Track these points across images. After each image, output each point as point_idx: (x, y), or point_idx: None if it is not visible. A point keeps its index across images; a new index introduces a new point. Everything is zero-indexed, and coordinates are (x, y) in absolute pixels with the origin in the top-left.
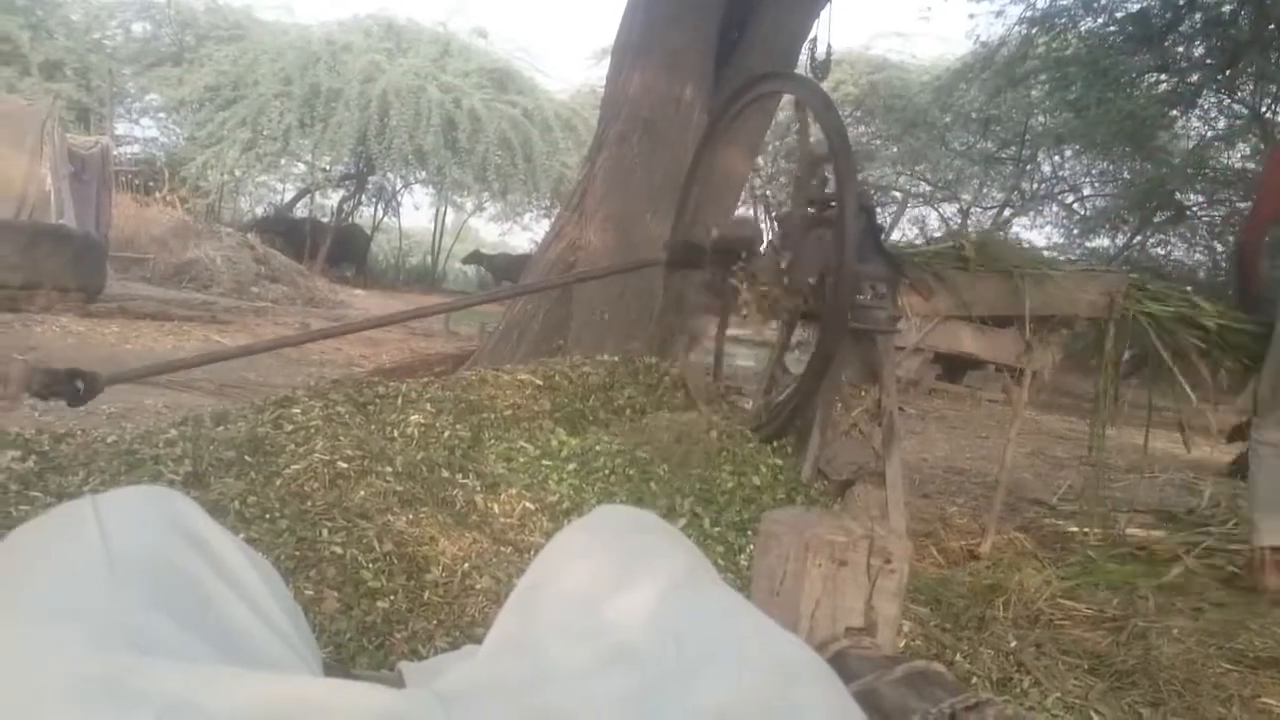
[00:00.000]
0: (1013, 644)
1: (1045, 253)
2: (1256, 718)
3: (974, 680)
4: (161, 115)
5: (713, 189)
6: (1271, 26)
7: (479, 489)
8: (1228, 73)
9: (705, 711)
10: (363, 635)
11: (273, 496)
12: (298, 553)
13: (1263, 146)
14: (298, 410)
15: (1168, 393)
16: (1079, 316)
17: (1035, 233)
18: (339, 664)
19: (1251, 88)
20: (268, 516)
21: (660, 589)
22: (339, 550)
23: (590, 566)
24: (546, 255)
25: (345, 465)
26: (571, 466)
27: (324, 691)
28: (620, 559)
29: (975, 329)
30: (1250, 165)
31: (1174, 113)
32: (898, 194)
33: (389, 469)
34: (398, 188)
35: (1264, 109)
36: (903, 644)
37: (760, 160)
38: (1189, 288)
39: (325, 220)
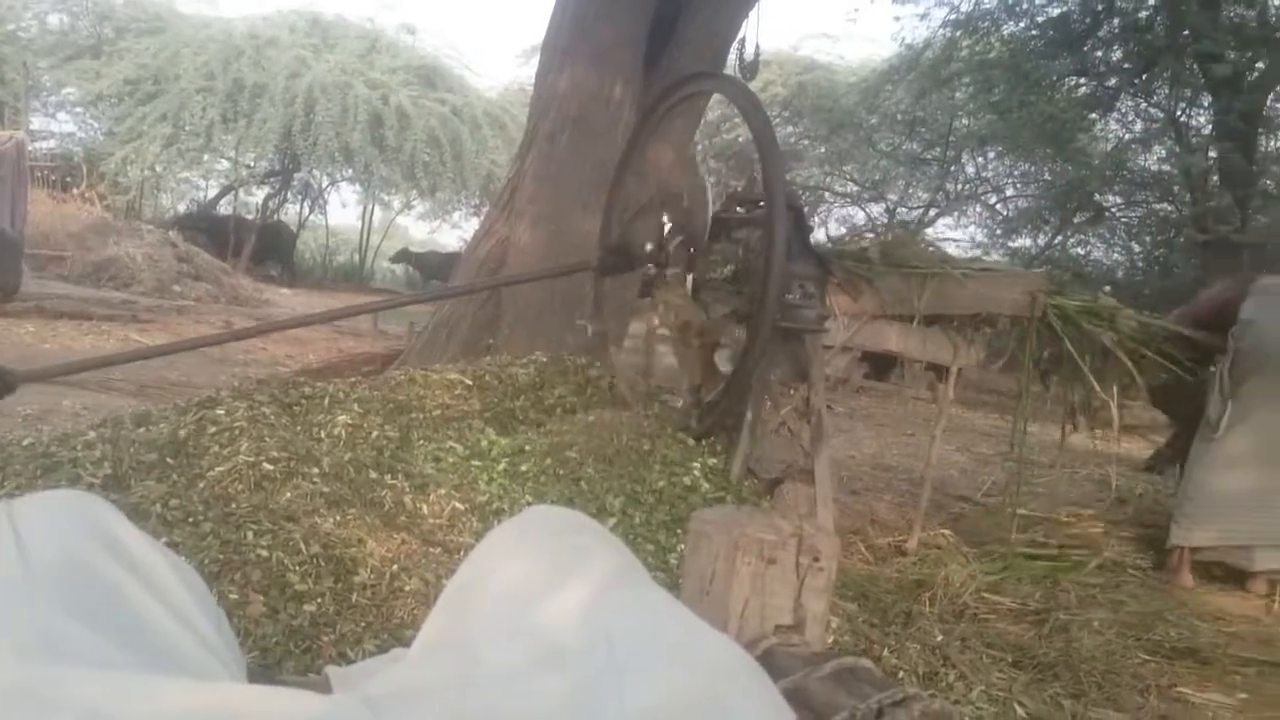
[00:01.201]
0: (939, 638)
1: (971, 252)
2: (1173, 707)
3: (901, 675)
4: (79, 109)
5: (644, 188)
6: (1186, 33)
7: (408, 490)
8: (1144, 77)
9: (636, 712)
10: (289, 639)
11: (196, 499)
12: (222, 556)
13: (1177, 149)
14: (222, 411)
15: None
16: (1002, 315)
17: (960, 232)
18: (265, 669)
19: (1167, 92)
20: (191, 520)
21: (592, 589)
22: (265, 553)
23: (522, 567)
24: (476, 253)
25: (271, 467)
26: (501, 466)
27: (245, 698)
28: (552, 560)
29: (902, 328)
30: (1166, 168)
31: (1093, 116)
32: (826, 194)
33: (316, 470)
34: (324, 185)
35: (1179, 113)
36: (831, 639)
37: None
38: (1107, 287)
39: (250, 218)
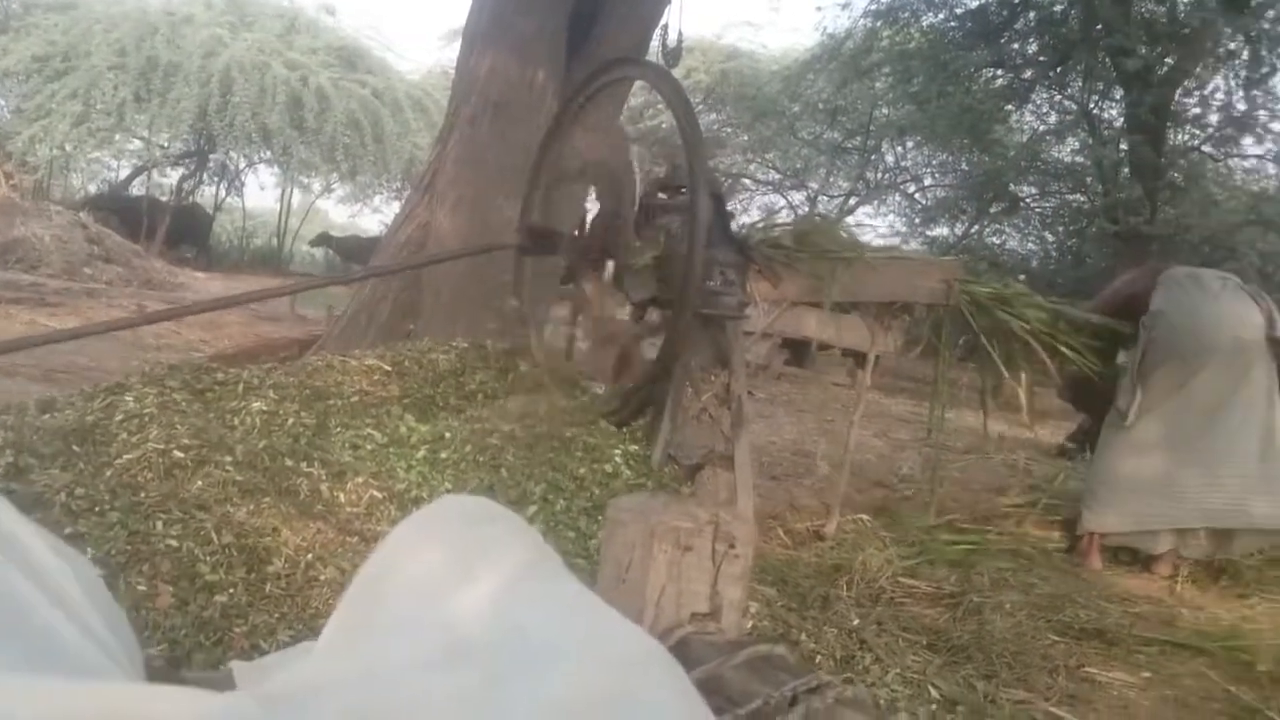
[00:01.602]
0: (855, 622)
1: (891, 241)
2: (1080, 686)
3: (818, 659)
4: None
5: (569, 171)
6: (1099, 27)
7: (324, 478)
8: (1058, 70)
9: (547, 706)
10: (199, 631)
11: (103, 488)
12: (130, 546)
13: (1090, 142)
14: (130, 397)
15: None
16: (919, 303)
17: (880, 221)
18: (172, 662)
19: (1080, 85)
20: (97, 509)
21: (503, 582)
22: (174, 543)
23: (431, 559)
24: (396, 237)
25: (181, 455)
26: (421, 454)
27: (135, 699)
28: (463, 551)
29: (821, 314)
30: (1079, 159)
31: (1009, 107)
32: (748, 181)
33: (229, 458)
34: (241, 167)
35: (1091, 106)
36: (750, 624)
37: (632, 148)
38: (1022, 276)
39: (164, 199)
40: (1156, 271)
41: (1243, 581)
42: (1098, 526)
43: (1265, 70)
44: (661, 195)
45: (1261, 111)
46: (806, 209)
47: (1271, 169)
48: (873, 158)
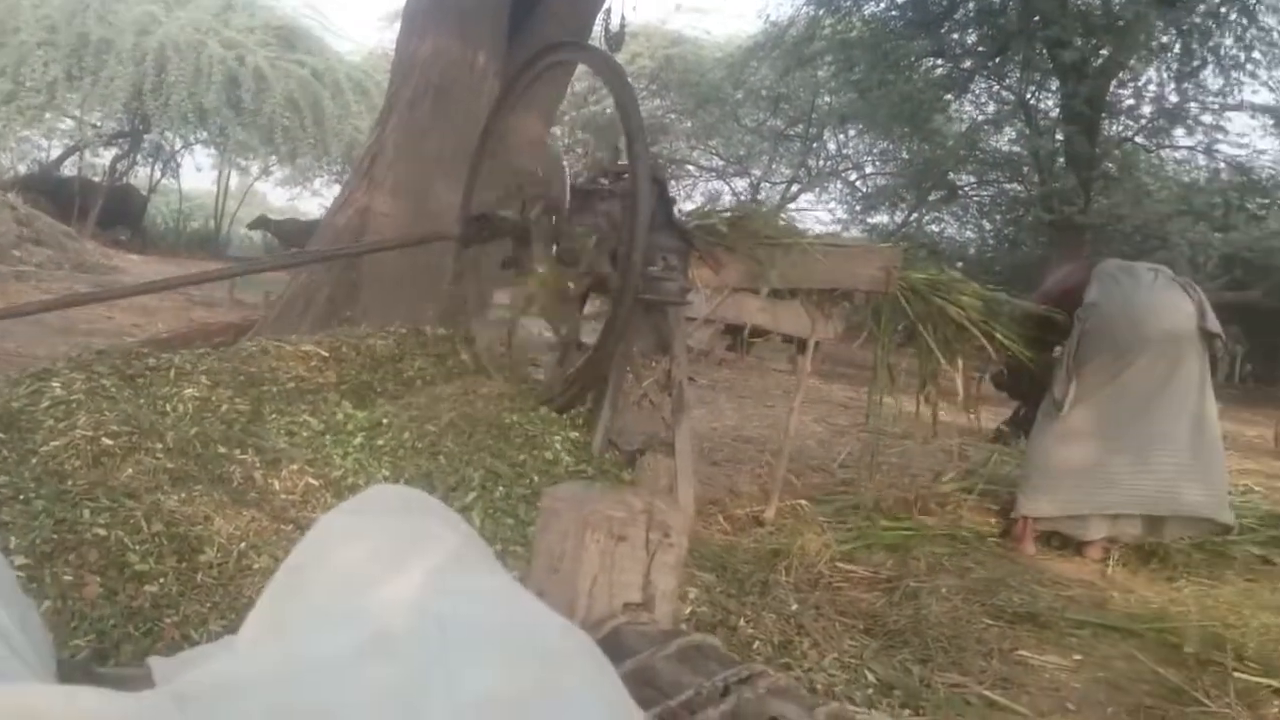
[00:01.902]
0: (794, 607)
1: (832, 228)
2: (1014, 669)
3: (756, 644)
4: None
5: (508, 157)
6: (1037, 18)
7: (258, 465)
8: (997, 60)
9: (468, 702)
10: (128, 621)
11: (28, 476)
12: (56, 535)
13: (1027, 132)
14: (57, 383)
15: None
16: (858, 290)
17: (821, 208)
18: (100, 654)
19: (1018, 75)
20: (22, 498)
21: (427, 574)
22: (102, 532)
23: (356, 550)
24: (335, 221)
25: (110, 442)
26: (358, 440)
27: (36, 701)
28: (389, 542)
29: (762, 301)
30: (1016, 149)
31: (948, 96)
32: (691, 168)
33: (159, 445)
34: (177, 148)
35: (1029, 96)
36: (689, 610)
37: (557, 130)
38: (960, 263)
39: (97, 180)
40: (1092, 265)
41: (1171, 565)
42: (1031, 511)
43: (1196, 64)
44: (603, 180)
45: (1192, 104)
46: (749, 196)
47: (1202, 160)
48: (815, 145)
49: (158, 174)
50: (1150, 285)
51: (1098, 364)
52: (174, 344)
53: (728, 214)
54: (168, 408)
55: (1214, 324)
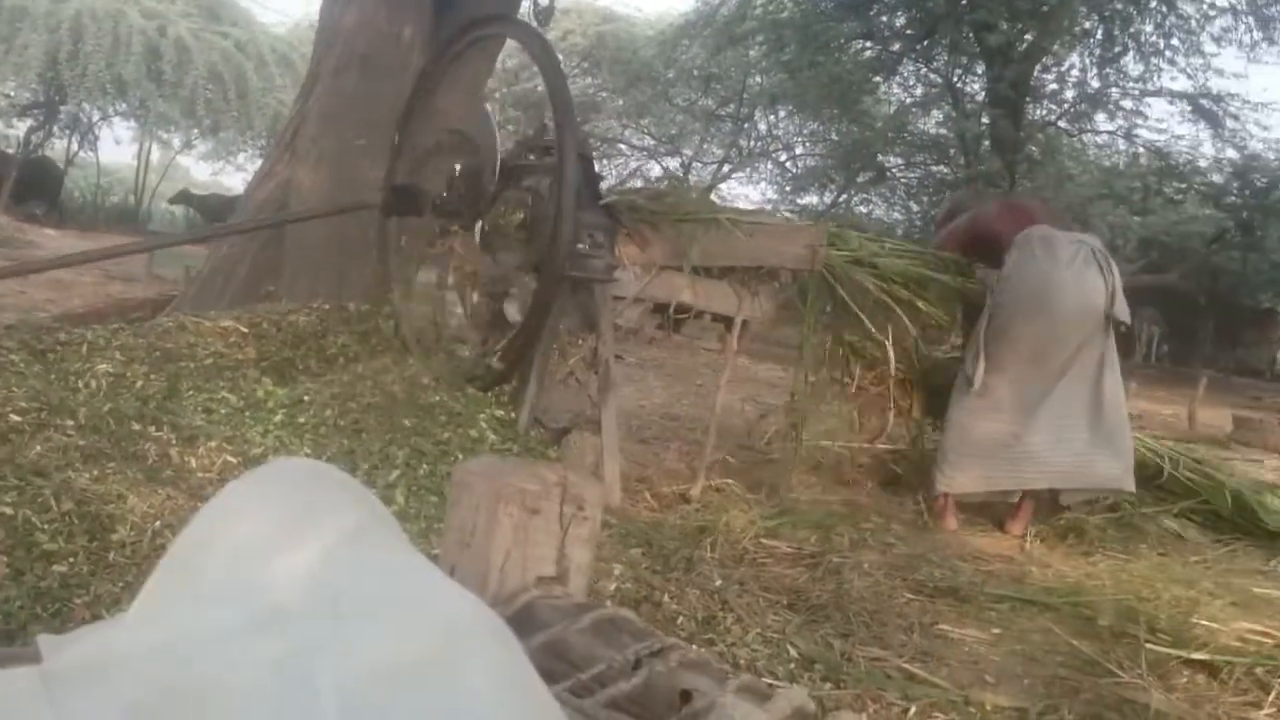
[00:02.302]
0: (718, 583)
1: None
2: (934, 642)
3: (680, 620)
4: None
5: (433, 132)
6: (964, 2)
7: (174, 442)
8: (925, 43)
9: (359, 674)
10: (36, 602)
11: None
12: None
13: (954, 114)
14: None
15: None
16: (785, 268)
17: (751, 188)
18: (5, 635)
19: (945, 58)
20: None
21: (325, 547)
22: (9, 511)
23: (254, 524)
24: (256, 195)
25: (19, 418)
26: (278, 418)
27: None
28: (289, 516)
29: (691, 279)
30: (943, 131)
31: (877, 79)
32: (622, 146)
33: (70, 422)
34: (95, 119)
35: (956, 79)
36: (614, 587)
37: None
38: (886, 242)
39: (10, 151)
40: (1016, 212)
41: (1087, 540)
42: (950, 488)
43: (1118, 50)
44: (530, 156)
45: (1113, 89)
46: (681, 176)
47: (1122, 145)
48: (745, 126)
49: (75, 146)
50: (1068, 263)
51: (1010, 339)
52: (88, 319)
53: (647, 190)
54: (80, 384)
55: (1122, 310)
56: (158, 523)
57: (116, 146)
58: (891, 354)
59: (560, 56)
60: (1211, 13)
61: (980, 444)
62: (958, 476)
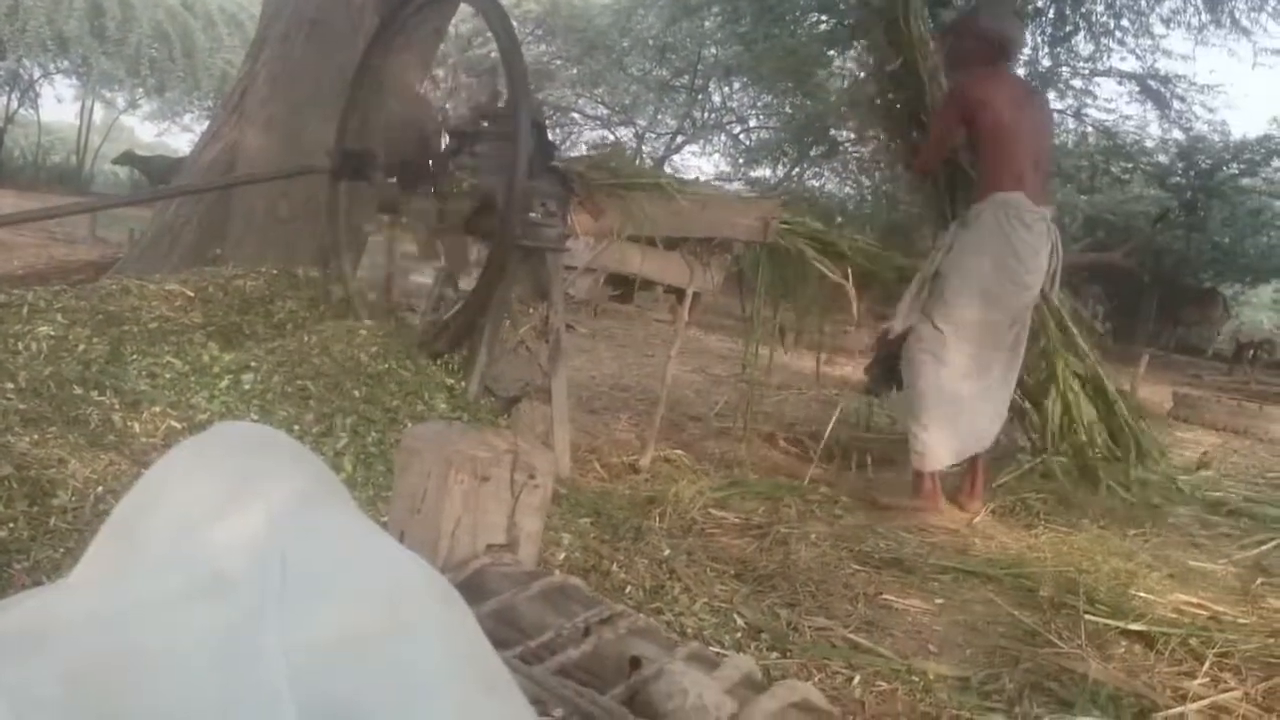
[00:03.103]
0: (666, 553)
1: (715, 182)
2: (879, 613)
3: (629, 589)
4: None
5: (383, 96)
6: None
7: (117, 407)
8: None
9: (304, 641)
10: None
11: None
12: None
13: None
14: None
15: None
16: (737, 240)
17: (705, 160)
18: None
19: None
20: None
21: (270, 513)
22: None
23: (199, 489)
24: (202, 158)
25: None
26: (224, 383)
27: None
28: (233, 481)
29: (643, 250)
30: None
31: (831, 52)
32: (576, 115)
33: (10, 385)
34: (35, 76)
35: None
36: (563, 556)
37: (440, 72)
38: (839, 219)
39: None
40: (1009, 81)
41: (1031, 514)
42: (935, 465)
43: (1069, 29)
44: (484, 123)
45: (1064, 68)
46: (634, 146)
47: (1071, 124)
48: (699, 97)
49: (14, 104)
50: (1029, 243)
51: (960, 313)
52: (29, 281)
53: (587, 158)
54: (20, 346)
55: (1053, 296)
56: (100, 488)
57: (58, 104)
58: (854, 302)
59: (514, 23)
60: None
61: (950, 415)
62: (938, 450)
